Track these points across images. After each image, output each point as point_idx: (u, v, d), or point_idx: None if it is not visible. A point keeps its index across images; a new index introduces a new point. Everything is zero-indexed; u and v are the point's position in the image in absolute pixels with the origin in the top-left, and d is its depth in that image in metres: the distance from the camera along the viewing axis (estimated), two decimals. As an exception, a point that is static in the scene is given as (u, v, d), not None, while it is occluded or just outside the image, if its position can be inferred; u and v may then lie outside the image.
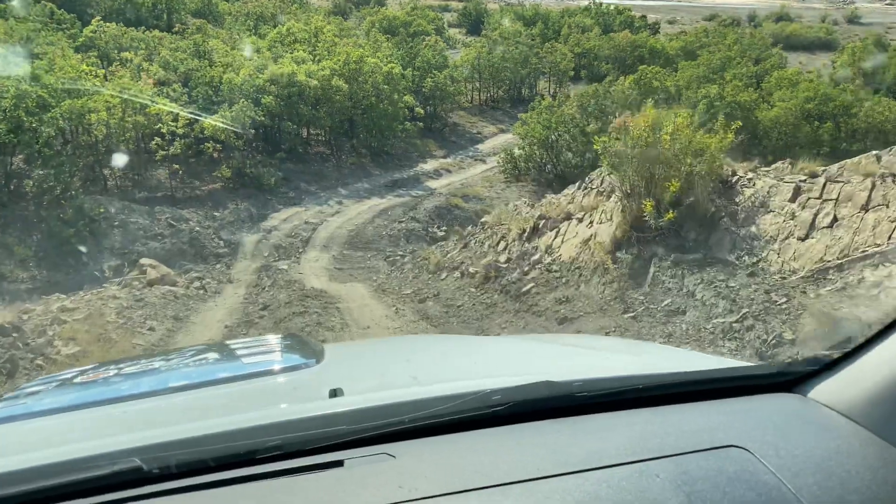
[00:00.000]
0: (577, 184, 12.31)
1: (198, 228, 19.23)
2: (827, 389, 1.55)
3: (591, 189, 10.93)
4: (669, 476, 1.29)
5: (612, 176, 9.73)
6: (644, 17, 64.15)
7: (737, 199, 8.60)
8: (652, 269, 8.51)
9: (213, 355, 2.71)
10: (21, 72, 19.55)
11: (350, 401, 1.60)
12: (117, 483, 1.29)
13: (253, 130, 22.97)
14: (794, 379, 1.64)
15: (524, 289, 9.54)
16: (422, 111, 29.28)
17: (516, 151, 26.27)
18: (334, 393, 1.67)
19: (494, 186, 25.27)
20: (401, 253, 19.33)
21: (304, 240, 19.88)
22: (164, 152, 20.75)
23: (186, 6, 43.96)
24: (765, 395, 1.62)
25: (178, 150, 20.81)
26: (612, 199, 9.60)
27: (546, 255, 10.01)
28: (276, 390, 1.98)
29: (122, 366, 2.57)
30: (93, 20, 32.30)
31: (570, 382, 1.55)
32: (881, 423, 1.39)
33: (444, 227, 21.29)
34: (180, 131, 20.96)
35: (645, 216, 8.98)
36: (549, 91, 41.01)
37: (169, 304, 11.94)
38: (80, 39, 33.52)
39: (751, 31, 57.15)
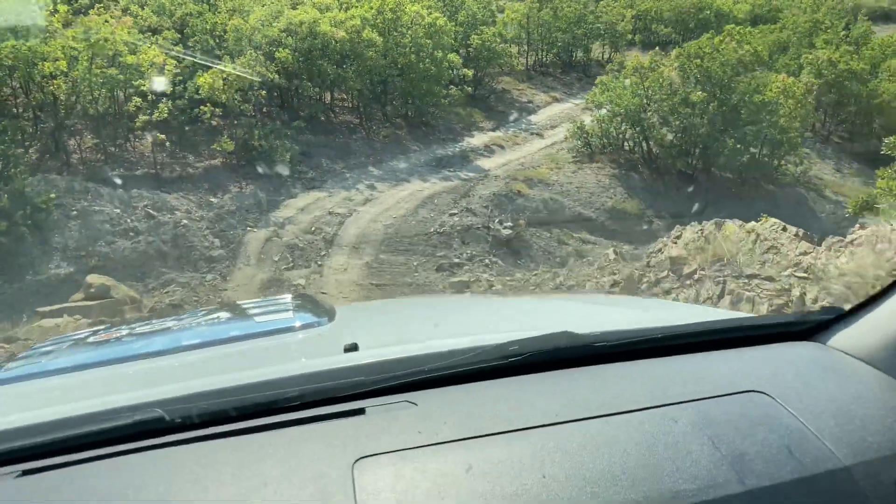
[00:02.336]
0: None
1: (186, 221, 13.99)
2: (845, 337, 1.53)
3: None
4: (690, 420, 1.27)
5: None
6: (691, -19, 57.84)
7: None
8: None
9: (224, 315, 2.65)
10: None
11: (370, 354, 1.53)
12: (140, 433, 1.26)
13: (263, 91, 17.65)
14: (811, 328, 1.61)
15: None
16: (469, 73, 23.73)
17: (588, 124, 20.79)
18: (350, 348, 1.60)
19: (563, 168, 19.84)
20: (457, 259, 14.06)
21: (327, 238, 14.61)
22: (147, 117, 15.45)
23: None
24: (783, 344, 1.59)
25: (165, 114, 15.51)
26: None
27: None
28: (291, 347, 1.92)
29: (134, 326, 2.55)
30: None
31: (588, 334, 1.52)
32: None
33: (510, 223, 15.98)
34: (168, 90, 15.65)
35: None
36: (602, 56, 35.29)
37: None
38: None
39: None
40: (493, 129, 24.11)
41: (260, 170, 16.90)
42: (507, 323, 2.07)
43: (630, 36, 36.83)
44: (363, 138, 20.80)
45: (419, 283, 12.64)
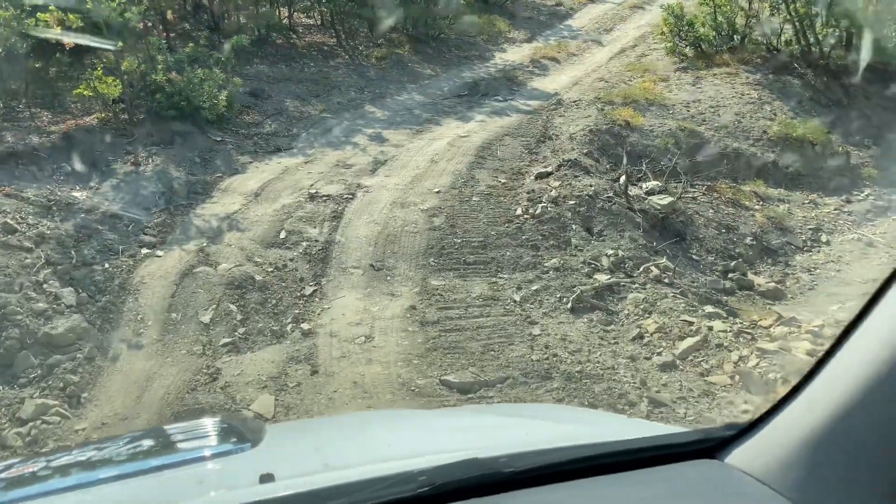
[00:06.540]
0: None
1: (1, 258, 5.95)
2: (743, 454, 1.46)
3: None
4: None
5: None
6: None
7: None
8: None
9: (147, 442, 2.47)
10: None
11: (283, 485, 1.46)
12: None
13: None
14: (714, 445, 1.52)
15: None
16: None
17: (690, 13, 12.81)
18: (265, 478, 1.50)
19: (672, 79, 11.87)
20: (601, 276, 6.20)
21: (313, 252, 6.68)
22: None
23: None
24: (686, 463, 1.52)
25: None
26: None
27: None
28: (206, 477, 1.78)
29: (51, 458, 2.33)
30: None
31: (496, 459, 1.47)
32: (794, 487, 1.29)
33: (655, 182, 8.16)
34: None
35: None
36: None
37: None
38: None
39: None
40: (528, 40, 15.99)
41: (173, 126, 8.79)
42: (419, 444, 1.90)
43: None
44: (347, 64, 12.60)
45: (579, 377, 4.86)
